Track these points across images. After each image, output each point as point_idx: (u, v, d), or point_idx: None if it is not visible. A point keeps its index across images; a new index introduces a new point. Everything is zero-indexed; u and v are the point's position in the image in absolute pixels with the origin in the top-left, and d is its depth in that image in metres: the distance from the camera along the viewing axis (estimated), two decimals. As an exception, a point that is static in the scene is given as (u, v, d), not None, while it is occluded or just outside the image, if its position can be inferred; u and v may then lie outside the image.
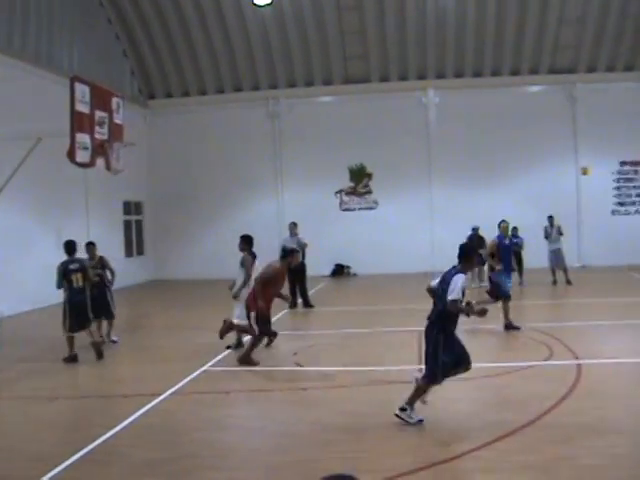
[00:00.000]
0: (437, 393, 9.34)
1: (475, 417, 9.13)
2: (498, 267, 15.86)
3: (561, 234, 25.60)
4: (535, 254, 25.40)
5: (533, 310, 20.11)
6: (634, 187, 31.63)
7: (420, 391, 8.99)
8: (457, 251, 9.09)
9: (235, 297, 14.08)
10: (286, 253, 13.33)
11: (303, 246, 20.58)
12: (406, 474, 7.17)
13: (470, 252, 9.28)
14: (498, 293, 15.76)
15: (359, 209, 32.60)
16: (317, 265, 22.82)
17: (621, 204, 31.64)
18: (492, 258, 16.08)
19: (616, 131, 30.49)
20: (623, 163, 31.53)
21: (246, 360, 12.81)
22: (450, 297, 8.61)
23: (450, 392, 10.64)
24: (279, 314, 15.61)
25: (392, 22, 30.06)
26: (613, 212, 31.50)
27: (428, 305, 9.16)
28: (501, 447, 7.93)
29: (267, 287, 12.86)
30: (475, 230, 25.25)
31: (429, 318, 9.04)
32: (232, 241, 30.31)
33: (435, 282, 9.20)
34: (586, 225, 30.52)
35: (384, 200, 32.21)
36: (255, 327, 13.00)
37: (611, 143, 30.72)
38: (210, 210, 32.68)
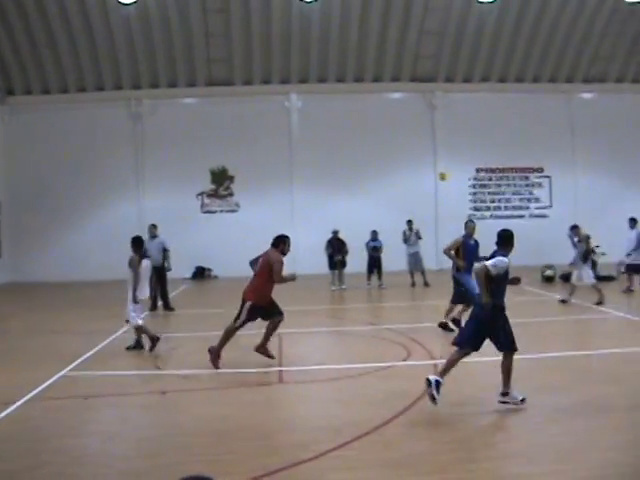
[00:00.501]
0: (300, 394, 9.46)
1: (336, 417, 9.29)
2: (461, 263, 15.16)
3: (419, 238, 26.30)
4: (394, 257, 25.96)
5: (392, 312, 20.63)
6: (489, 193, 32.92)
7: (509, 370, 9.33)
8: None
9: (136, 302, 14.21)
10: (278, 240, 13.30)
11: (166, 253, 20.67)
12: (266, 475, 7.24)
13: (510, 239, 9.62)
14: (467, 295, 14.56)
15: (220, 211, 32.57)
16: (178, 267, 22.62)
17: (477, 209, 32.83)
18: (457, 256, 15.41)
19: (473, 139, 31.71)
20: (479, 170, 32.78)
21: (263, 351, 12.76)
22: (485, 262, 9.16)
23: (312, 393, 10.82)
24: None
25: (257, 26, 30.16)
26: (469, 217, 32.57)
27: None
28: (360, 445, 8.11)
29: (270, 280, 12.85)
30: (335, 233, 25.62)
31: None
32: (95, 243, 29.82)
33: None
34: (443, 229, 31.38)
35: (246, 202, 32.30)
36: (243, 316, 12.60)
37: (468, 150, 31.92)
38: (72, 211, 31.90)
